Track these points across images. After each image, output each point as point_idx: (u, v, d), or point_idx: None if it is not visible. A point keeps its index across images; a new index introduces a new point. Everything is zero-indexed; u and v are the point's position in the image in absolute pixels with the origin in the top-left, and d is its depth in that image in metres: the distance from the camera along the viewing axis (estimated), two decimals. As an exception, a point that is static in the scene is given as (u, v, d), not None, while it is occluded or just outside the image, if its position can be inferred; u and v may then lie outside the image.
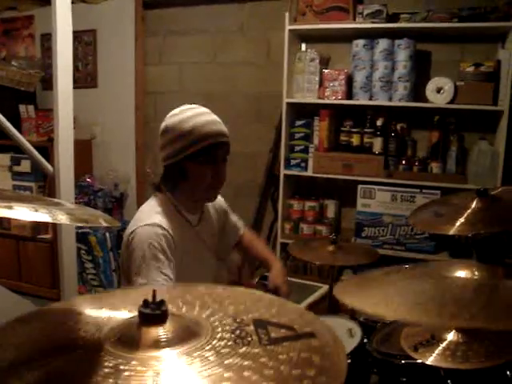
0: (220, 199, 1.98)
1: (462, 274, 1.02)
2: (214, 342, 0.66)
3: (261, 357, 0.63)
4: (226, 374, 0.60)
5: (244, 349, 0.64)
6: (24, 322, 0.73)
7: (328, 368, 0.63)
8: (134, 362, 0.62)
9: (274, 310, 0.77)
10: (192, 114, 1.70)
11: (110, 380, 0.59)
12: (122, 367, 0.61)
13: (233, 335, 0.67)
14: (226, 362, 0.62)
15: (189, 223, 1.79)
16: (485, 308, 0.94)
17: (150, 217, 1.68)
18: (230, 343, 0.65)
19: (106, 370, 0.61)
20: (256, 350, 0.64)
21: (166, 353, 0.64)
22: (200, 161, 1.68)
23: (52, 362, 0.64)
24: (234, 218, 2.10)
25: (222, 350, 0.64)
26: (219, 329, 0.69)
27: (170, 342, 0.65)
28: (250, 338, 0.66)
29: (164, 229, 1.64)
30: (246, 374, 0.60)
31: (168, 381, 0.60)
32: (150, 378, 0.59)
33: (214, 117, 1.73)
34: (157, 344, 0.64)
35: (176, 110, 1.74)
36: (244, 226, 2.16)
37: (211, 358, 0.63)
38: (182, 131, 1.67)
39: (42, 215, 0.60)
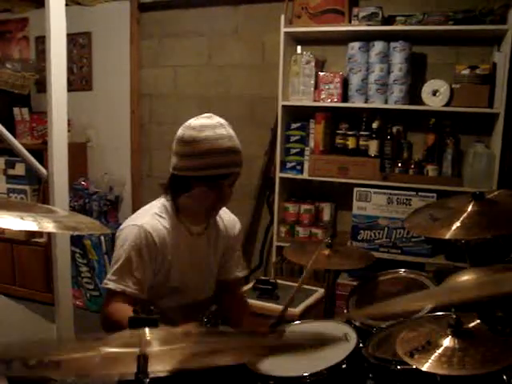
0: (237, 223, 1.94)
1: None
2: None
3: None
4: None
5: None
6: None
7: None
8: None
9: None
10: (211, 137, 1.60)
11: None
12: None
13: None
14: None
15: (188, 231, 1.76)
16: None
17: (141, 217, 1.70)
18: None
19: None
20: None
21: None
22: (207, 185, 1.64)
23: None
24: (239, 254, 1.96)
25: None
26: None
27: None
28: None
29: (147, 231, 1.64)
30: None
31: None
32: None
33: (234, 142, 1.64)
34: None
35: (196, 122, 1.64)
36: (243, 275, 1.98)
37: None
38: (195, 151, 1.60)
39: (28, 223, 0.59)
